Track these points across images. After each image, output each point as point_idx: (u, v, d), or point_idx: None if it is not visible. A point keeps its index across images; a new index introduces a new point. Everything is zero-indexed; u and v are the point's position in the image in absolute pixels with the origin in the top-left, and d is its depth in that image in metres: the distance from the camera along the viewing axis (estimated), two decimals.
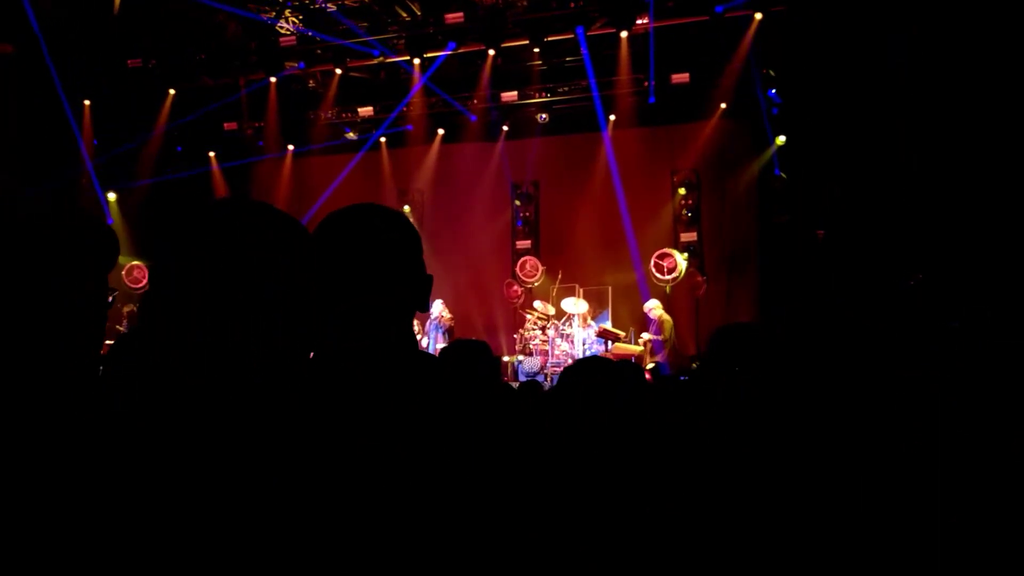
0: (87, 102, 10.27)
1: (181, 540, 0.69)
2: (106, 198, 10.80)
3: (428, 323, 9.36)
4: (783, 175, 9.21)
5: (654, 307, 8.55)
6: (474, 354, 2.40)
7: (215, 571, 0.69)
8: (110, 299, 1.10)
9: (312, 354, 1.02)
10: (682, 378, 6.46)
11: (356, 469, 0.80)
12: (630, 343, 8.68)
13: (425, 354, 1.10)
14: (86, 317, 1.04)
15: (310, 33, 9.54)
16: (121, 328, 9.16)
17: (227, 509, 0.70)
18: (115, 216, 10.92)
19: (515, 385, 5.95)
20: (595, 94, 9.62)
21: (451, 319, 9.46)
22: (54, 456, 0.73)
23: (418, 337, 9.22)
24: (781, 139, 9.28)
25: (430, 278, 1.11)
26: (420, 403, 0.92)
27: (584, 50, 9.08)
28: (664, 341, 8.38)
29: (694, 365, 8.30)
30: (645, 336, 8.58)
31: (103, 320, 1.08)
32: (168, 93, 10.28)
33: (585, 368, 1.79)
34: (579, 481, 1.53)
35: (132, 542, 0.68)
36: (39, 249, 1.00)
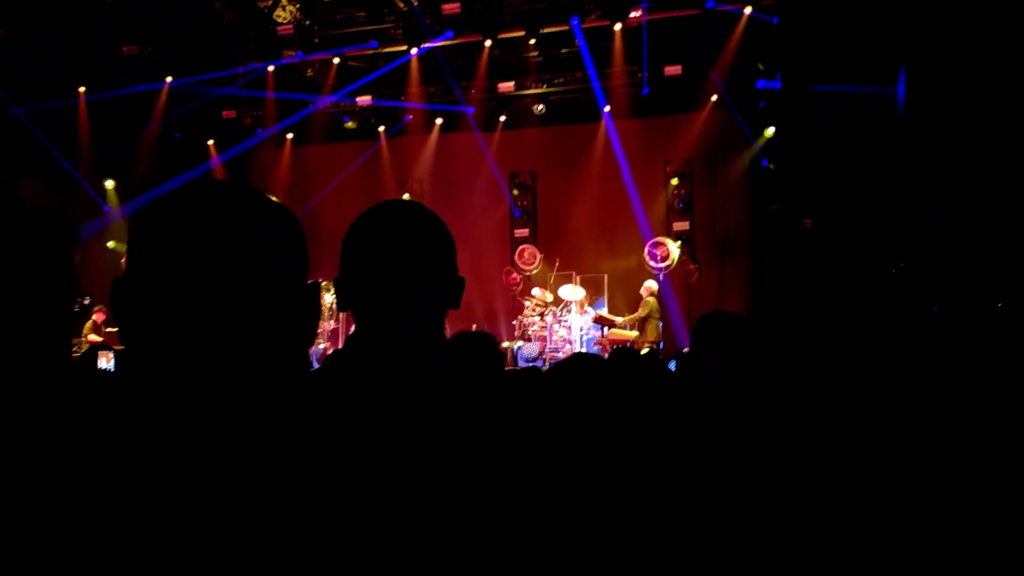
0: (82, 88, 10.28)
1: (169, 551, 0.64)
2: (102, 187, 10.83)
3: None
4: (771, 166, 9.41)
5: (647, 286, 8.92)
6: (480, 347, 2.40)
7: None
8: (86, 301, 1.04)
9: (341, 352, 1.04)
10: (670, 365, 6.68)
11: (369, 469, 0.77)
12: (626, 328, 8.90)
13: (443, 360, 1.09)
14: (34, 320, 0.95)
15: (307, 22, 9.60)
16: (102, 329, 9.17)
17: (223, 513, 0.66)
18: (113, 205, 10.97)
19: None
20: (595, 84, 9.77)
21: None
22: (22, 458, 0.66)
23: None
24: (770, 131, 9.48)
25: (463, 280, 1.09)
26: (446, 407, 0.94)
27: (580, 41, 9.22)
28: (644, 319, 8.68)
29: (685, 350, 8.52)
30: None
31: (63, 323, 0.98)
32: (165, 81, 10.33)
33: (575, 364, 1.90)
34: (577, 474, 1.57)
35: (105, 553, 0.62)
36: None
